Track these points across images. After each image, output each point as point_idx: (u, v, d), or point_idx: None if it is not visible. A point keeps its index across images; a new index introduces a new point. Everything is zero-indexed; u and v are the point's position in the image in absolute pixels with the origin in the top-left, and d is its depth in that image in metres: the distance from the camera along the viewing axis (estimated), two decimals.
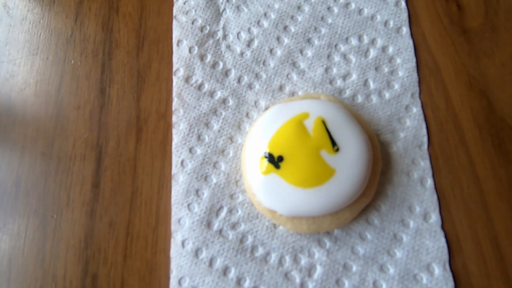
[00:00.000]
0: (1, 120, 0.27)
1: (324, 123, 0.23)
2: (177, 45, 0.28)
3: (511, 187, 0.24)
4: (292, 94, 0.27)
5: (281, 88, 0.27)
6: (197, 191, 0.25)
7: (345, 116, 0.24)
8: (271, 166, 0.22)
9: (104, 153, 0.26)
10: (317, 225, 0.23)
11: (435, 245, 0.23)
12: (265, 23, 0.28)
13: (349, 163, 0.22)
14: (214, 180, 0.25)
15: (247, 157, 0.24)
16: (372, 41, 0.28)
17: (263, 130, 0.24)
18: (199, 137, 0.26)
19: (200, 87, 0.27)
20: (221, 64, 0.27)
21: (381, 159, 0.25)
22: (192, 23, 0.28)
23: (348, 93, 0.27)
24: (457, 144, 0.25)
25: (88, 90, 0.27)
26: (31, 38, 0.29)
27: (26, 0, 0.30)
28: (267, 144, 0.23)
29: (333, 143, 0.23)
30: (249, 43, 0.28)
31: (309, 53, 0.28)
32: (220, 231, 0.24)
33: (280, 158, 0.22)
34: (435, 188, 0.24)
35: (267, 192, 0.22)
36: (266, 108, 0.26)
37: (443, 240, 0.23)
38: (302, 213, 0.22)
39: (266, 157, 0.23)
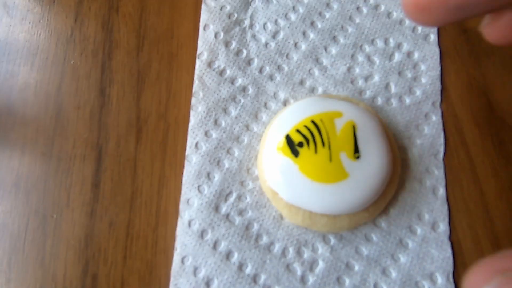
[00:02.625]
0: (1, 120, 0.27)
1: (354, 128, 0.23)
2: (204, 29, 0.28)
3: (511, 187, 0.24)
4: (312, 90, 0.27)
5: (301, 82, 0.27)
6: (208, 174, 0.25)
7: (377, 129, 0.23)
8: (288, 150, 0.22)
9: (104, 153, 0.26)
10: (312, 221, 0.23)
11: (441, 255, 0.23)
12: (293, 17, 0.28)
13: (364, 176, 0.22)
14: (226, 165, 0.25)
15: (269, 134, 0.24)
16: (398, 45, 0.28)
17: (294, 113, 0.24)
18: (215, 122, 0.26)
19: (222, 72, 0.27)
20: (245, 52, 0.28)
21: (398, 180, 0.24)
22: (221, 9, 0.29)
23: (368, 94, 0.26)
24: (457, 144, 0.25)
25: (88, 90, 0.27)
26: (31, 38, 0.29)
27: (26, 0, 0.30)
28: (293, 126, 0.23)
29: (356, 149, 0.22)
30: (274, 35, 0.28)
31: (333, 50, 0.28)
32: (227, 216, 0.24)
33: (301, 144, 0.22)
34: (447, 198, 0.24)
35: (276, 172, 0.22)
36: (285, 101, 0.27)
37: (449, 251, 0.23)
38: (301, 204, 0.22)
39: (286, 137, 0.23)
